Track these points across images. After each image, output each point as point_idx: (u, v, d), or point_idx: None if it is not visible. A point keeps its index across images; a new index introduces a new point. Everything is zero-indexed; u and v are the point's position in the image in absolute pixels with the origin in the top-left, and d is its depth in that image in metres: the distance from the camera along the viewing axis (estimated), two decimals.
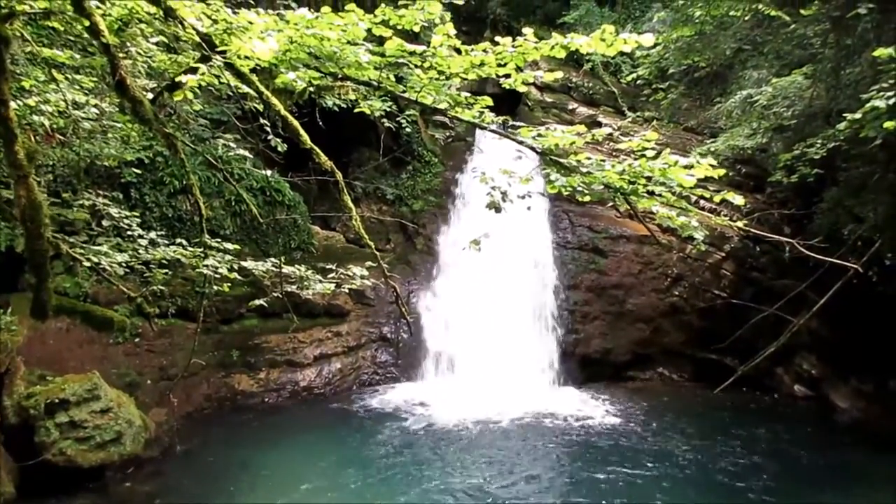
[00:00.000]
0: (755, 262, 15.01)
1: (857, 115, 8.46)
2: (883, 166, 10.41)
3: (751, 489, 9.33)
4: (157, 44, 5.32)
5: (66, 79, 6.40)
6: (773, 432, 11.71)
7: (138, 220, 7.63)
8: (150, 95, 4.88)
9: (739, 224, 5.01)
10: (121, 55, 4.82)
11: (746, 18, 12.26)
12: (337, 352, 14.02)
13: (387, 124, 11.15)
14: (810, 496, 9.31)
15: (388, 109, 10.06)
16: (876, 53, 8.36)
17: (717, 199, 4.49)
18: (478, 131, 16.15)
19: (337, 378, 13.78)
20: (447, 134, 17.37)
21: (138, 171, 10.88)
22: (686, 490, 9.32)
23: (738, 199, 4.42)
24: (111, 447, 8.63)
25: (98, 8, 4.39)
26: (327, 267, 8.13)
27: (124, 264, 6.67)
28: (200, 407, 11.92)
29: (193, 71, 4.40)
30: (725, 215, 13.28)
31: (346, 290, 8.61)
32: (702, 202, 13.44)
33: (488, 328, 14.26)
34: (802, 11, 10.77)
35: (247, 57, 4.26)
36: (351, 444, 10.65)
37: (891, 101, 7.91)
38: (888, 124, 7.80)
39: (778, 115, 12.27)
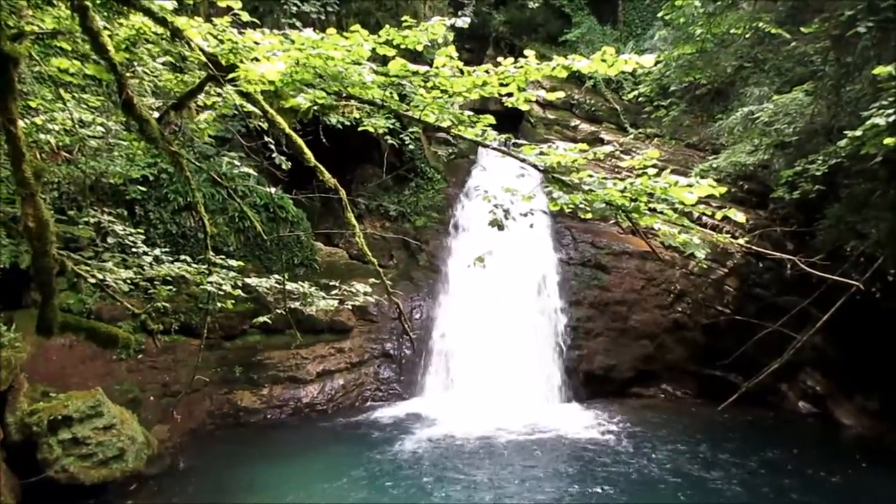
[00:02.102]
0: (758, 279, 15.00)
1: (858, 133, 8.50)
2: (884, 183, 10.44)
3: None
4: (163, 63, 5.37)
5: (73, 97, 6.47)
6: (780, 450, 11.63)
7: (143, 236, 7.67)
8: (157, 114, 4.93)
9: (741, 241, 5.03)
10: (127, 74, 4.88)
11: (747, 36, 12.35)
12: (340, 368, 14.01)
13: (390, 141, 11.24)
14: None
15: (392, 127, 10.11)
16: (876, 71, 8.40)
17: (718, 215, 4.51)
18: (480, 148, 16.23)
19: (340, 394, 13.76)
20: (450, 151, 17.48)
21: (143, 189, 10.95)
22: None
23: (739, 216, 4.44)
24: (113, 464, 8.63)
25: (106, 28, 4.45)
26: (330, 283, 8.16)
27: (129, 281, 6.69)
28: (203, 423, 11.90)
29: (198, 93, 4.45)
30: (728, 231, 13.29)
31: (349, 307, 8.62)
32: (704, 218, 13.47)
33: (491, 344, 14.25)
34: (803, 29, 10.86)
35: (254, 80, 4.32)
36: (354, 461, 10.60)
37: (891, 119, 7.95)
38: (888, 141, 7.82)
39: (779, 131, 12.32)
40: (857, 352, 12.67)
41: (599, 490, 9.71)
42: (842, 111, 11.03)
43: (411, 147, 15.70)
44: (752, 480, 10.19)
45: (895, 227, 10.40)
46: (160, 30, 4.52)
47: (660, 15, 14.07)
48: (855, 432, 12.86)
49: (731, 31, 12.51)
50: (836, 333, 12.33)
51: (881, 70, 8.27)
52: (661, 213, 4.26)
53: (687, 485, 9.98)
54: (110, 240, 7.67)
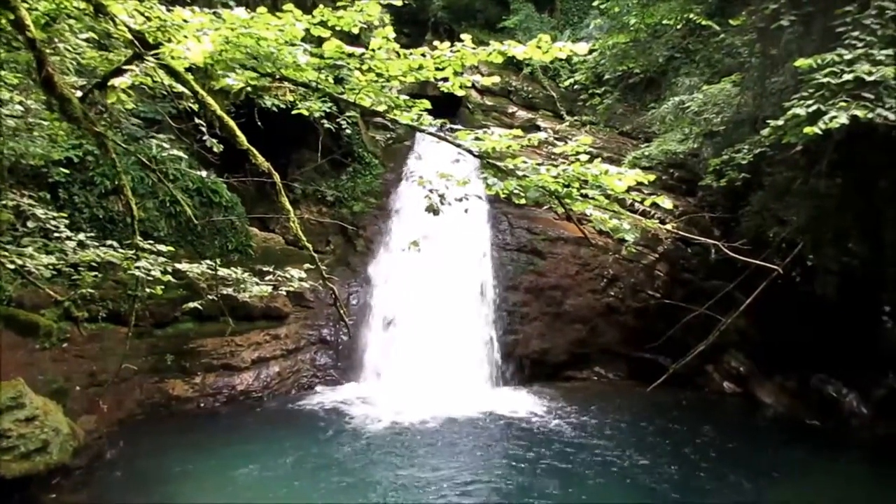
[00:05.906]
0: (687, 264, 15.48)
1: (780, 122, 8.82)
2: (804, 171, 10.86)
3: (682, 482, 9.63)
4: (86, 40, 5.16)
5: None
6: (705, 428, 12.11)
7: (66, 221, 7.37)
8: (80, 93, 4.74)
9: (669, 226, 5.19)
10: (48, 51, 4.66)
11: (679, 27, 12.70)
12: (275, 355, 13.82)
13: (327, 125, 11.05)
14: (741, 485, 9.68)
15: (329, 111, 9.96)
16: (797, 64, 8.74)
17: (648, 202, 4.63)
18: (417, 136, 16.18)
19: (275, 381, 13.59)
20: (388, 136, 17.35)
21: (67, 171, 10.49)
22: (618, 486, 9.58)
23: (667, 203, 4.58)
24: (36, 457, 8.30)
25: (24, 2, 4.24)
26: (265, 269, 8.03)
27: (51, 266, 6.44)
28: (132, 413, 11.57)
29: (123, 72, 4.29)
30: (658, 218, 13.65)
31: (285, 293, 8.50)
32: (635, 205, 13.77)
33: (428, 329, 14.31)
34: (731, 21, 11.20)
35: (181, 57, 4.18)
36: (287, 448, 10.50)
37: (810, 109, 8.28)
38: (808, 130, 8.14)
39: (708, 121, 12.70)
40: (777, 334, 13.23)
41: (526, 470, 9.90)
42: (766, 102, 11.42)
43: (348, 132, 15.47)
44: (678, 457, 10.59)
45: (814, 214, 10.87)
46: (82, 5, 4.33)
47: (595, 4, 14.30)
48: (774, 411, 13.48)
49: (664, 21, 12.83)
50: (759, 316, 12.82)
51: (802, 62, 8.61)
52: (594, 199, 4.35)
53: (613, 464, 10.28)
54: (31, 224, 7.35)
